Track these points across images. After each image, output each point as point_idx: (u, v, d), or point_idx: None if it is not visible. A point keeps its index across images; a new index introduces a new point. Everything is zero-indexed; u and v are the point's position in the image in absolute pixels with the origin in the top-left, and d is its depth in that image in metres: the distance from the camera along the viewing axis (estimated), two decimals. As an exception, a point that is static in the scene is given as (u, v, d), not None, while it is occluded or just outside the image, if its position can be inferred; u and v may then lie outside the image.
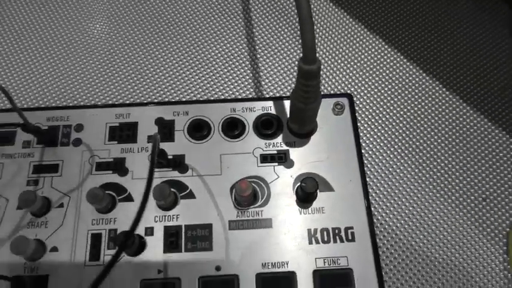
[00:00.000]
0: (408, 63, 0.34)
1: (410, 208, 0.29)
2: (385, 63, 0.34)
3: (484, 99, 0.33)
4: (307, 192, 0.25)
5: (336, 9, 0.35)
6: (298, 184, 0.26)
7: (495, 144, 0.31)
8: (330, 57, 0.33)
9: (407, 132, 0.31)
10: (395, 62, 0.34)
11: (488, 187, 0.31)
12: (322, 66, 0.32)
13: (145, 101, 0.31)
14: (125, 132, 0.28)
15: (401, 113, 0.32)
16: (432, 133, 0.31)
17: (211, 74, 0.33)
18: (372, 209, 0.27)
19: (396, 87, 0.33)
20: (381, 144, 0.31)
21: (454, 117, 0.32)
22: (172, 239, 0.25)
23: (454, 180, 0.30)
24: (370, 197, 0.27)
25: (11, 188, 0.26)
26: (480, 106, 0.32)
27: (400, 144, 0.31)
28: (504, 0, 0.36)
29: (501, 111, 0.32)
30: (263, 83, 0.32)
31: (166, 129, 0.28)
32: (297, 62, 0.22)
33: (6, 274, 0.24)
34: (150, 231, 0.25)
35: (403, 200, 0.29)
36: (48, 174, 0.27)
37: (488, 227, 0.29)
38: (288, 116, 0.28)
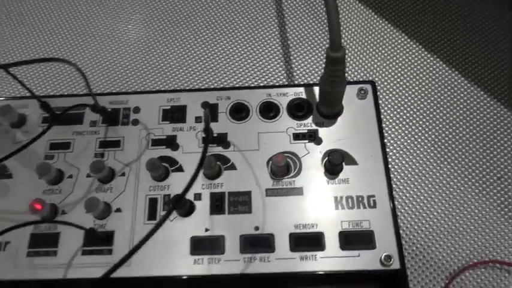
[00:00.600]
0: (429, 54, 0.37)
1: (426, 182, 0.32)
2: (406, 52, 0.37)
3: (497, 84, 0.36)
4: (333, 163, 0.28)
5: (360, 3, 0.39)
6: (326, 158, 0.30)
7: (510, 129, 0.34)
8: (355, 46, 0.37)
9: (425, 114, 0.35)
10: (415, 51, 0.37)
11: (503, 167, 0.34)
12: (348, 56, 0.36)
13: (192, 88, 0.36)
14: (175, 114, 0.32)
15: (420, 96, 0.35)
16: (451, 118, 0.35)
17: (250, 63, 0.37)
18: (392, 181, 0.31)
19: (415, 74, 0.36)
20: (400, 125, 0.34)
21: (472, 103, 0.35)
22: (217, 203, 0.29)
23: (470, 160, 0.33)
24: (390, 171, 0.30)
25: (81, 160, 0.31)
26: (494, 91, 0.35)
27: (418, 125, 0.34)
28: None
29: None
30: (295, 71, 0.36)
31: (211, 112, 0.32)
32: (325, 52, 0.26)
33: (80, 229, 0.28)
34: (198, 196, 0.29)
35: (420, 174, 0.32)
36: (111, 148, 0.31)
37: (503, 203, 0.32)
38: (317, 99, 0.31)
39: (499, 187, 0.33)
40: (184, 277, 0.27)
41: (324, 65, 0.28)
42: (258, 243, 0.28)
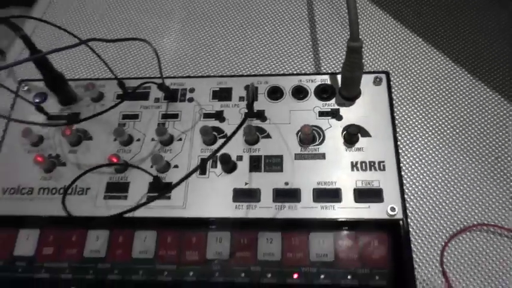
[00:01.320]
0: (438, 49, 0.43)
1: (430, 153, 0.38)
2: (418, 47, 0.44)
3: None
4: (351, 133, 0.35)
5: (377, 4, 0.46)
6: (345, 131, 0.36)
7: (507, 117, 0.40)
8: (374, 41, 0.44)
9: (431, 98, 0.41)
10: (429, 45, 0.44)
11: (501, 149, 0.39)
12: (367, 49, 0.43)
13: (237, 74, 0.43)
14: (223, 94, 0.39)
15: (428, 84, 0.42)
16: (455, 99, 0.41)
17: (285, 54, 0.44)
18: (400, 151, 0.37)
19: (426, 66, 0.43)
20: (408, 106, 0.40)
21: (476, 97, 0.41)
22: (255, 163, 0.36)
23: (472, 143, 0.39)
24: (398, 142, 0.36)
25: (147, 127, 0.39)
26: (494, 82, 0.41)
27: (425, 106, 0.40)
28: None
29: None
30: (322, 61, 0.43)
31: (252, 96, 0.39)
32: (345, 45, 0.33)
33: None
34: (240, 158, 0.36)
35: (425, 147, 0.39)
36: (171, 119, 0.39)
37: (498, 178, 0.38)
38: (340, 85, 0.38)
39: (496, 165, 0.39)
40: (228, 218, 0.34)
41: (344, 56, 0.35)
42: (287, 194, 0.34)
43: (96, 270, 0.34)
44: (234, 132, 0.30)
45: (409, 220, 0.36)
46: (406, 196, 0.36)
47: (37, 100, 0.41)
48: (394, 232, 0.33)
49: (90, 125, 0.39)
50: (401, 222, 0.33)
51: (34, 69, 0.37)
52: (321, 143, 0.36)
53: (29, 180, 0.37)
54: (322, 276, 0.32)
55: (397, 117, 0.40)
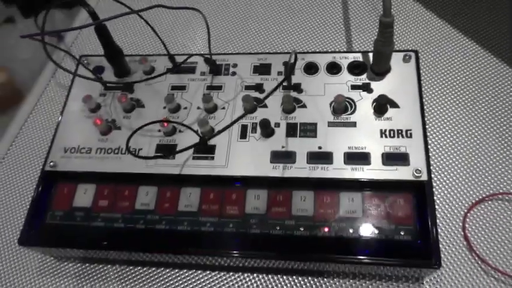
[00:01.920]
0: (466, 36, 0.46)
1: (454, 125, 0.41)
2: (449, 25, 0.46)
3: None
4: (380, 103, 0.38)
5: None
6: (375, 102, 0.39)
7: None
8: (406, 21, 0.48)
9: (456, 76, 0.43)
10: (457, 26, 0.46)
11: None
12: (398, 28, 0.47)
13: (276, 51, 0.47)
14: (262, 69, 0.43)
15: (454, 64, 0.44)
16: (481, 77, 0.43)
17: (321, 34, 0.48)
18: (426, 120, 0.40)
19: (454, 46, 0.45)
20: (436, 82, 0.43)
21: (503, 76, 0.44)
22: (291, 130, 0.39)
23: (494, 116, 0.42)
24: (424, 113, 0.39)
25: (193, 97, 0.43)
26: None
27: (450, 82, 0.43)
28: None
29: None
30: (354, 40, 0.47)
31: (291, 68, 0.43)
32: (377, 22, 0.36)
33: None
34: (277, 124, 0.40)
35: (449, 119, 0.41)
36: (215, 90, 0.43)
37: None
38: (371, 61, 0.41)
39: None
40: (265, 177, 0.38)
41: (375, 35, 0.38)
42: (320, 157, 0.38)
43: (145, 220, 0.38)
44: (274, 90, 0.34)
45: (434, 184, 0.39)
46: (431, 162, 0.39)
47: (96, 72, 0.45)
48: (419, 192, 0.35)
49: (142, 94, 0.43)
50: (425, 183, 0.35)
51: (93, 47, 0.42)
52: (352, 113, 0.39)
53: (88, 141, 0.42)
54: (350, 231, 0.35)
55: (424, 91, 0.43)
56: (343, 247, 0.35)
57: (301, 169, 0.37)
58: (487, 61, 0.45)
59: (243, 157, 0.39)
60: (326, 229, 0.35)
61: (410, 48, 0.45)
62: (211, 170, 0.39)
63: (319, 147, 0.38)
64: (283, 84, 0.42)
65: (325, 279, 0.38)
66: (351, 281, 0.37)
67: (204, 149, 0.40)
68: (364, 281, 0.37)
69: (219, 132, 0.33)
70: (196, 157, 0.39)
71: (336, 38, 0.48)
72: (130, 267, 0.40)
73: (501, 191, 0.39)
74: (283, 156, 0.38)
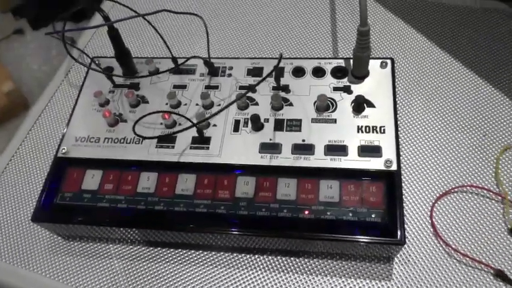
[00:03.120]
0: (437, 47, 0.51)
1: (423, 123, 0.46)
2: (423, 36, 0.52)
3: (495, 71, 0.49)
4: (358, 102, 0.43)
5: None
6: (354, 102, 0.44)
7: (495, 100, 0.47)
8: (382, 30, 0.53)
9: (427, 80, 0.49)
10: (431, 38, 0.52)
11: (488, 127, 0.46)
12: (376, 37, 0.52)
13: (268, 56, 0.52)
14: (256, 71, 0.48)
15: (424, 70, 0.49)
16: (450, 78, 0.48)
17: (308, 41, 0.53)
18: (399, 119, 0.45)
19: (427, 54, 0.50)
20: (408, 85, 0.48)
21: (469, 83, 0.49)
22: (279, 124, 0.44)
23: (465, 119, 0.46)
24: (397, 112, 0.44)
25: (192, 95, 0.48)
26: (491, 77, 0.49)
27: (422, 86, 0.48)
28: None
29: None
30: (338, 47, 0.52)
31: (280, 71, 0.48)
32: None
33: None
34: (266, 120, 0.45)
35: (422, 117, 0.46)
36: (213, 89, 0.48)
37: (485, 150, 0.45)
38: (351, 66, 0.46)
39: (484, 140, 0.46)
40: (254, 165, 0.42)
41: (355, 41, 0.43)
42: (303, 148, 0.42)
43: (146, 202, 0.42)
44: (257, 84, 0.39)
45: (405, 176, 0.43)
46: (402, 155, 0.44)
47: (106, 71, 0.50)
48: (389, 180, 0.40)
49: (147, 91, 0.49)
50: (395, 173, 0.40)
51: (104, 50, 0.47)
52: (333, 111, 0.44)
53: (97, 132, 0.47)
54: (328, 213, 0.39)
55: (398, 93, 0.48)
56: (322, 227, 0.39)
57: (286, 159, 0.42)
58: (453, 67, 0.50)
59: (235, 148, 0.43)
60: (307, 212, 0.40)
61: (387, 56, 0.50)
62: (206, 159, 0.43)
63: (303, 140, 0.43)
64: (274, 85, 0.47)
65: (306, 259, 0.42)
66: (329, 261, 0.42)
67: (200, 140, 0.44)
68: (340, 261, 0.42)
69: (214, 114, 0.38)
70: (193, 147, 0.44)
71: (321, 45, 0.54)
72: (130, 246, 0.44)
73: (466, 183, 0.43)
74: (271, 147, 0.43)
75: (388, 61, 0.47)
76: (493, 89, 0.48)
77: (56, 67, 0.59)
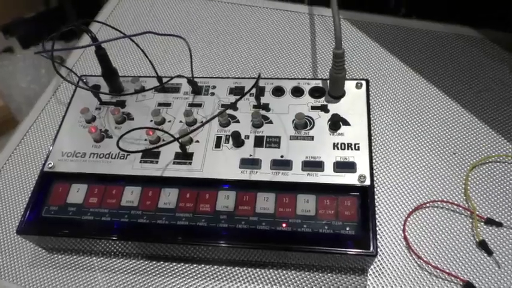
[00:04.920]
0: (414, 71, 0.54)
1: (398, 141, 0.48)
2: (397, 59, 0.54)
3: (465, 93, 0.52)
4: (334, 120, 0.45)
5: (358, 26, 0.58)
6: (330, 121, 0.46)
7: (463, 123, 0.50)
8: (357, 53, 0.56)
9: (401, 102, 0.51)
10: (404, 61, 0.54)
11: (457, 147, 0.49)
12: (352, 60, 0.54)
13: (249, 76, 0.54)
14: (237, 91, 0.50)
15: (399, 90, 0.52)
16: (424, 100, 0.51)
17: (287, 63, 0.56)
18: (372, 137, 0.47)
19: (400, 75, 0.53)
20: (382, 105, 0.51)
21: (445, 114, 0.51)
22: (259, 141, 0.46)
23: (435, 139, 0.49)
24: (371, 131, 0.46)
25: (176, 112, 0.49)
26: (460, 99, 0.52)
27: (394, 106, 0.51)
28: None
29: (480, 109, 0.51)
30: (316, 68, 0.55)
31: (259, 91, 0.50)
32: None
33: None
34: (247, 137, 0.47)
35: (394, 135, 0.48)
36: (196, 107, 0.50)
37: (454, 168, 0.47)
38: (328, 86, 0.49)
39: (453, 158, 0.48)
40: (235, 180, 0.44)
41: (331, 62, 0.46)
42: (282, 164, 0.44)
43: (129, 215, 0.44)
44: (246, 93, 0.41)
45: (377, 190, 0.45)
46: (375, 170, 0.46)
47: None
48: (363, 194, 0.42)
49: (133, 109, 0.50)
50: (368, 187, 0.42)
51: (92, 70, 0.49)
52: (311, 129, 0.47)
53: (83, 147, 0.48)
54: (304, 226, 0.41)
55: (372, 113, 0.50)
56: (298, 239, 0.41)
57: (265, 174, 0.44)
58: (424, 88, 0.53)
59: (217, 163, 0.45)
60: (284, 225, 0.41)
61: (362, 77, 0.53)
62: (188, 173, 0.45)
63: (282, 156, 0.45)
64: (254, 104, 0.49)
65: (284, 271, 0.43)
66: (306, 273, 0.43)
67: (183, 155, 0.46)
68: (317, 273, 0.43)
69: (195, 129, 0.39)
70: (176, 162, 0.46)
71: (300, 67, 0.57)
72: (114, 259, 0.46)
73: (437, 199, 0.46)
74: (250, 163, 0.45)
75: (363, 82, 0.49)
76: (462, 110, 0.51)
77: (45, 85, 0.60)
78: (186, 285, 0.43)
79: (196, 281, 0.43)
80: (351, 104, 0.48)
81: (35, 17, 1.50)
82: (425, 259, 0.42)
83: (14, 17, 1.50)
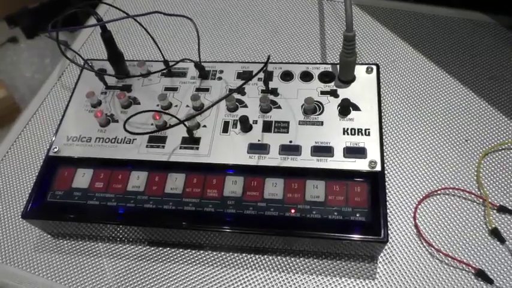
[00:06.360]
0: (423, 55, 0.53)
1: (409, 126, 0.47)
2: (408, 44, 0.53)
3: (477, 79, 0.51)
4: (344, 105, 0.44)
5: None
6: (340, 106, 0.46)
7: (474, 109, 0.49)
8: (366, 32, 0.55)
9: (415, 85, 0.50)
10: (416, 45, 0.53)
11: (469, 134, 0.48)
12: (364, 45, 0.53)
13: (257, 61, 0.53)
14: (245, 75, 0.49)
15: (409, 76, 0.51)
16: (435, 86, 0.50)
17: (297, 46, 0.55)
18: (383, 122, 0.46)
19: (411, 60, 0.52)
20: (393, 91, 0.50)
21: (457, 100, 0.50)
22: (267, 126, 0.45)
23: (447, 125, 0.48)
24: (382, 116, 0.45)
25: (183, 97, 0.49)
26: (473, 85, 0.51)
27: (406, 92, 0.50)
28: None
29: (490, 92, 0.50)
30: (326, 52, 0.54)
31: (268, 75, 0.49)
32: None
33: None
34: (255, 122, 0.46)
35: (406, 121, 0.48)
36: (203, 92, 0.49)
37: (466, 155, 0.46)
38: (338, 71, 0.48)
39: (465, 145, 0.47)
40: (242, 165, 0.43)
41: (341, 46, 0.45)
42: (290, 149, 0.43)
43: (135, 200, 0.43)
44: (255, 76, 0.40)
45: (388, 177, 0.45)
46: (386, 156, 0.45)
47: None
48: (373, 180, 0.41)
49: (139, 93, 0.50)
50: (379, 173, 0.41)
51: (97, 54, 0.48)
52: (320, 114, 0.46)
53: (88, 132, 0.47)
54: (314, 212, 0.40)
55: (382, 97, 0.49)
56: (308, 226, 0.40)
57: (273, 159, 0.43)
58: (436, 74, 0.52)
59: (224, 148, 0.44)
60: (293, 211, 0.41)
61: (373, 62, 0.52)
62: (195, 158, 0.44)
63: (290, 141, 0.44)
64: (262, 88, 0.48)
65: (292, 258, 0.43)
66: (315, 260, 0.43)
67: (190, 140, 0.45)
68: (326, 260, 0.42)
69: (202, 111, 0.39)
70: (183, 147, 0.45)
71: (309, 51, 0.56)
72: (120, 244, 0.45)
73: (449, 186, 0.45)
74: (259, 148, 0.44)
75: (374, 67, 0.48)
76: (474, 96, 0.50)
77: (49, 75, 0.60)
78: (193, 272, 0.43)
79: (204, 267, 0.43)
80: (361, 89, 0.47)
81: (39, 7, 1.49)
82: (436, 247, 0.42)
83: (18, 7, 1.49)
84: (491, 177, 0.45)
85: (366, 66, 0.48)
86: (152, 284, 0.42)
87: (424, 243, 0.42)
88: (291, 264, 0.42)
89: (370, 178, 0.41)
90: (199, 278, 0.42)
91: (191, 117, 0.42)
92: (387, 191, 0.44)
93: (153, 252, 0.44)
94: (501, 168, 0.45)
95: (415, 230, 0.43)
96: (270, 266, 0.42)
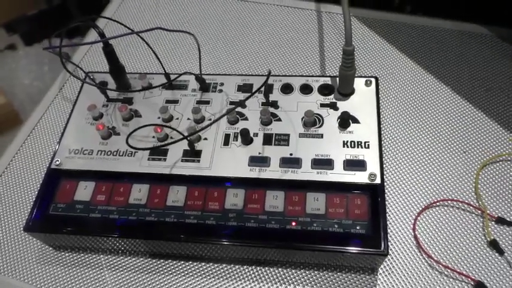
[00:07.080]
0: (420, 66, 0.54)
1: (408, 139, 0.48)
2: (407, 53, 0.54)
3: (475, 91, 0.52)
4: (344, 118, 0.45)
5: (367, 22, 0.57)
6: (340, 118, 0.46)
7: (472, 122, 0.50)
8: (369, 51, 0.56)
9: (409, 100, 0.51)
10: (414, 58, 0.54)
11: (468, 145, 0.48)
12: (362, 59, 0.54)
13: (257, 74, 0.54)
14: (246, 88, 0.50)
15: (407, 88, 0.52)
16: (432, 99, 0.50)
17: (297, 60, 0.55)
18: (382, 135, 0.46)
19: (408, 74, 0.53)
20: (391, 103, 0.50)
21: (454, 112, 0.51)
22: (267, 139, 0.46)
23: (446, 137, 0.48)
24: (381, 128, 0.46)
25: (184, 110, 0.49)
26: (471, 97, 0.51)
27: (404, 104, 0.50)
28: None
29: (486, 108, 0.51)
30: (325, 65, 0.54)
31: (268, 88, 0.49)
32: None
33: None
34: (256, 134, 0.46)
35: (405, 134, 0.48)
36: (204, 104, 0.49)
37: (466, 166, 0.47)
38: (338, 84, 0.48)
39: (464, 157, 0.48)
40: (243, 178, 0.44)
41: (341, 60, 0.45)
42: (291, 161, 0.44)
43: (137, 213, 0.43)
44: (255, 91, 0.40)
45: (387, 189, 0.45)
46: (385, 169, 0.45)
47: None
48: (373, 193, 0.42)
49: (140, 106, 0.50)
50: (378, 186, 0.42)
51: (98, 67, 0.48)
52: (320, 126, 0.46)
53: (90, 144, 0.48)
54: (314, 224, 0.41)
55: (382, 110, 0.50)
56: (308, 238, 0.40)
57: (274, 172, 0.44)
58: (435, 86, 0.53)
59: (225, 161, 0.45)
60: (294, 223, 0.41)
61: (371, 75, 0.52)
62: (197, 171, 0.45)
63: (291, 154, 0.44)
64: (263, 101, 0.48)
65: (293, 270, 0.43)
66: (316, 272, 0.43)
67: (191, 153, 0.46)
68: (326, 272, 0.43)
69: (204, 128, 0.39)
70: (184, 160, 0.45)
71: (309, 64, 0.56)
72: (121, 257, 0.45)
73: (447, 197, 0.45)
74: (259, 161, 0.44)
75: (373, 79, 0.49)
76: (472, 108, 0.51)
77: (48, 83, 0.60)
78: (194, 284, 0.43)
79: (205, 279, 0.43)
80: (361, 101, 0.47)
81: (38, 14, 1.50)
82: (435, 258, 0.42)
83: (17, 15, 1.49)
84: (490, 188, 0.45)
85: (365, 79, 0.49)
86: (154, 297, 0.43)
87: (424, 255, 0.42)
88: (291, 276, 0.43)
89: (370, 191, 0.42)
90: (201, 290, 0.43)
91: (194, 132, 0.43)
92: (387, 202, 0.44)
93: (155, 264, 0.44)
94: (499, 179, 0.46)
95: (414, 242, 0.43)
96: (271, 278, 0.43)
